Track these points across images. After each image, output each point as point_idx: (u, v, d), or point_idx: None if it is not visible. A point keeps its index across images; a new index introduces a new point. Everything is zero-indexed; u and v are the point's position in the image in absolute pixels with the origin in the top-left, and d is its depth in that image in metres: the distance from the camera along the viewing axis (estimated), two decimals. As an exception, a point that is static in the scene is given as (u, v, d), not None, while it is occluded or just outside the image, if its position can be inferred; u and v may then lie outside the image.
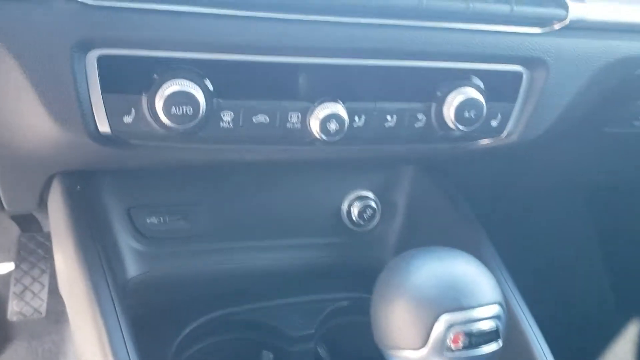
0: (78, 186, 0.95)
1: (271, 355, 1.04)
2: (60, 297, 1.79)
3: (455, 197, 1.14)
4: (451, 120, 0.92)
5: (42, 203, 1.02)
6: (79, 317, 0.84)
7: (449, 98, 0.91)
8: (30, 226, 1.92)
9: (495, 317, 0.76)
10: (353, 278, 1.15)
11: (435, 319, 0.73)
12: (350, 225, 1.18)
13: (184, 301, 1.05)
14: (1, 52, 0.74)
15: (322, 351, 1.06)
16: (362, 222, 1.17)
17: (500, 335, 0.78)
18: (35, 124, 0.81)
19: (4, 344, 1.73)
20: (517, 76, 0.96)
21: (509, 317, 0.84)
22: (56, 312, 1.79)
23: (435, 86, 0.92)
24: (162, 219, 1.06)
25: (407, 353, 0.76)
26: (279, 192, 1.13)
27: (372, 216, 1.17)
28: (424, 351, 0.75)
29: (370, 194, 1.18)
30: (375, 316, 0.81)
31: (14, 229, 1.91)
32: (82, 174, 0.97)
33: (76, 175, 0.96)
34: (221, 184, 1.09)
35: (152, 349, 0.91)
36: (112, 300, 0.83)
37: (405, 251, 0.86)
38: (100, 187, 1.01)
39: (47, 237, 1.89)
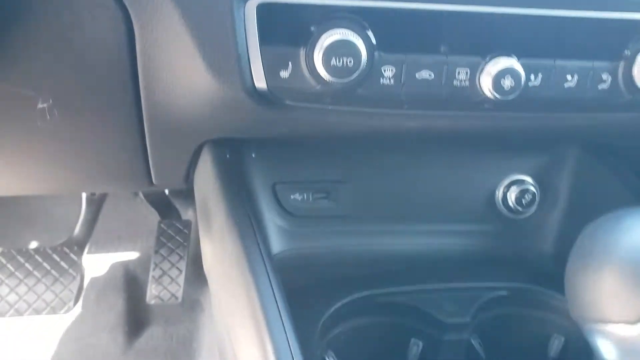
0: (227, 155, 0.93)
1: (420, 344, 0.96)
2: (196, 285, 1.80)
3: (632, 183, 1.00)
4: None
5: (189, 179, 1.02)
6: (230, 290, 0.80)
7: None
8: (169, 214, 1.97)
9: None
10: (509, 267, 1.05)
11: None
12: (505, 212, 1.09)
13: (326, 281, 1.00)
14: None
15: (475, 343, 0.96)
16: (520, 208, 1.07)
17: None
18: (192, 78, 0.79)
19: (141, 327, 1.78)
20: None
21: None
22: (191, 299, 1.82)
23: (624, 42, 0.81)
24: (305, 196, 1.04)
25: (617, 328, 0.63)
26: (428, 173, 1.06)
27: (531, 202, 1.07)
28: (640, 326, 0.62)
29: (528, 178, 1.08)
30: (574, 284, 0.69)
31: (154, 217, 1.97)
32: (231, 144, 0.95)
33: (225, 145, 0.94)
34: (368, 163, 1.04)
35: (299, 327, 0.87)
36: (268, 276, 0.78)
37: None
38: (247, 160, 0.99)
39: (186, 224, 1.94)
